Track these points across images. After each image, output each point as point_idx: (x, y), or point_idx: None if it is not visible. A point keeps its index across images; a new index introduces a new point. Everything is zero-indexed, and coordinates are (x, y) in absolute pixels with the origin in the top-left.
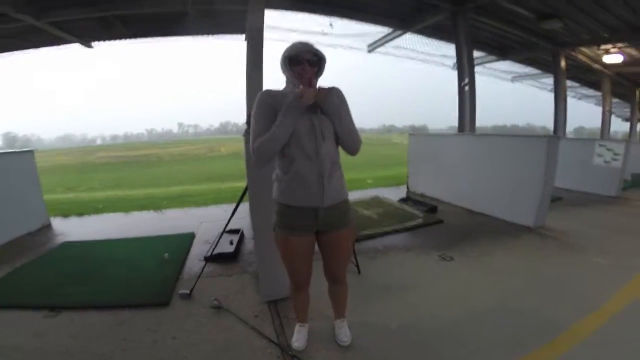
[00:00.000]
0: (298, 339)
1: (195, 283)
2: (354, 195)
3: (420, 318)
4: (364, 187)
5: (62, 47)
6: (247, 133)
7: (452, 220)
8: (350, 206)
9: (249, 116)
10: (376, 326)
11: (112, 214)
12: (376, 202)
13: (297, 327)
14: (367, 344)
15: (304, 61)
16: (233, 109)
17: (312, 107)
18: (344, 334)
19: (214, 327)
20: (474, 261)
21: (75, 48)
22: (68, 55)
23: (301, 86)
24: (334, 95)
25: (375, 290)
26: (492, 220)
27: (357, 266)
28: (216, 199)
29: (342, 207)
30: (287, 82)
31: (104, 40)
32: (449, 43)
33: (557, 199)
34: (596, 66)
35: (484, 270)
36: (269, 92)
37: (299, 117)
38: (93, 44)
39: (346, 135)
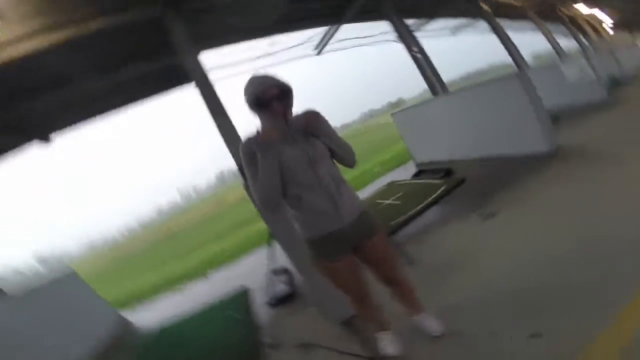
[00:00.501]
0: (387, 346)
1: (273, 330)
2: (369, 190)
3: (496, 285)
4: (375, 178)
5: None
6: (245, 186)
7: (472, 175)
8: (371, 213)
9: (239, 167)
10: (457, 307)
11: (167, 295)
12: (393, 187)
13: (381, 336)
14: (459, 326)
15: (270, 101)
16: (222, 156)
17: (301, 135)
18: (434, 324)
19: None
20: (517, 207)
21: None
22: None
23: (256, 130)
24: (321, 117)
25: (435, 272)
26: (508, 159)
27: (408, 257)
28: (248, 246)
29: (363, 217)
30: (261, 121)
31: (62, 128)
32: (383, 21)
33: (557, 119)
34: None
35: (533, 214)
36: (248, 140)
37: (276, 154)
38: (51, 135)
39: (341, 149)
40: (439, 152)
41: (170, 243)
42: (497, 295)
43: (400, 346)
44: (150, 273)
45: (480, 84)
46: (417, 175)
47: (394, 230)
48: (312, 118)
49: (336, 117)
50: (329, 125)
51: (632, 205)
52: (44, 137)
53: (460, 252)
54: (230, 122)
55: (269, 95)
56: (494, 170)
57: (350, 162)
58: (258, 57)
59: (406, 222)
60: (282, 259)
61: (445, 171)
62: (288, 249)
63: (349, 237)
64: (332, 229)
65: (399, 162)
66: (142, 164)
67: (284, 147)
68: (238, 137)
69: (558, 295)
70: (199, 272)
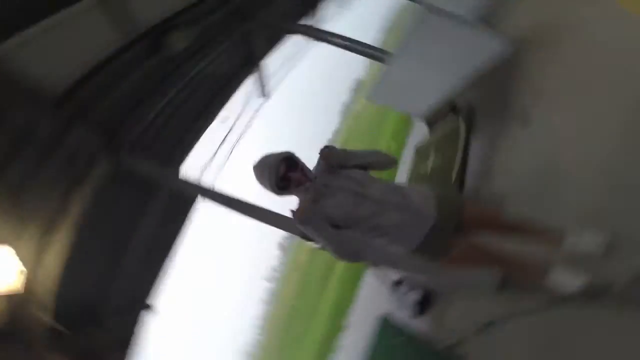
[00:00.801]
0: (566, 281)
1: (440, 334)
2: (403, 169)
3: (609, 176)
4: (397, 156)
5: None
6: (320, 247)
7: (473, 98)
8: (443, 193)
9: (303, 236)
10: (595, 217)
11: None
12: (422, 151)
13: (551, 277)
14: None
15: (287, 179)
16: (269, 232)
17: (331, 177)
18: (591, 240)
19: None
20: (541, 98)
21: None
22: None
23: (291, 211)
24: (333, 147)
25: (533, 201)
26: (488, 70)
27: (495, 201)
28: (354, 280)
29: (441, 201)
30: (294, 196)
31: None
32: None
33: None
34: None
35: (566, 95)
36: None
37: (319, 219)
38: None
39: (373, 157)
40: (430, 98)
41: (293, 320)
42: (618, 185)
43: (581, 275)
44: (303, 350)
45: (408, 34)
46: (431, 125)
47: (459, 189)
48: (327, 153)
49: (324, 131)
50: (345, 149)
51: None
52: (146, 308)
53: (537, 169)
54: (254, 207)
55: (282, 175)
56: (486, 84)
57: (389, 162)
58: (224, 139)
59: (462, 174)
60: (389, 273)
61: (450, 107)
62: (395, 265)
63: (444, 227)
64: (425, 231)
65: (404, 128)
66: (219, 280)
67: (325, 202)
68: (272, 213)
69: None
70: (335, 326)
